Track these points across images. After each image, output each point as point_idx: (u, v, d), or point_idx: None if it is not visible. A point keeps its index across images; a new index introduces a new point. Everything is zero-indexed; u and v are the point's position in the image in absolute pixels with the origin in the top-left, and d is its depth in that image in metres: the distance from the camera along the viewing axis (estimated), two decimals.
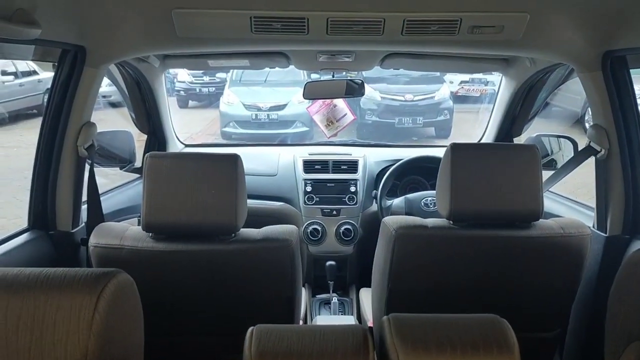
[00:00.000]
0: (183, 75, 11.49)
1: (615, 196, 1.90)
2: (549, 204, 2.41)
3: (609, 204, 1.92)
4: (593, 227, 2.00)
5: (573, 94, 8.86)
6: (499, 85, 2.85)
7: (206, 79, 11.66)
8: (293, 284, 1.79)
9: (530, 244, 1.75)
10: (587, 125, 8.45)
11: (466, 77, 11.06)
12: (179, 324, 1.79)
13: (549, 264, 1.78)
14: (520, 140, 2.91)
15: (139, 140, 2.73)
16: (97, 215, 1.99)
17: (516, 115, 2.80)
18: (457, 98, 10.50)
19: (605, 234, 1.94)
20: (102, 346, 0.79)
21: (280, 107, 9.13)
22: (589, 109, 1.89)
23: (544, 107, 2.89)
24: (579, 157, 2.07)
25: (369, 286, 2.18)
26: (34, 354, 0.76)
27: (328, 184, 2.90)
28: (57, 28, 1.61)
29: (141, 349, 0.98)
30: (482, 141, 2.99)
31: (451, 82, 10.81)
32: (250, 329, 0.92)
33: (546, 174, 2.19)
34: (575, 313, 1.95)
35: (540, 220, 1.77)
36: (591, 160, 2.00)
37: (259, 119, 9.20)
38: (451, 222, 1.78)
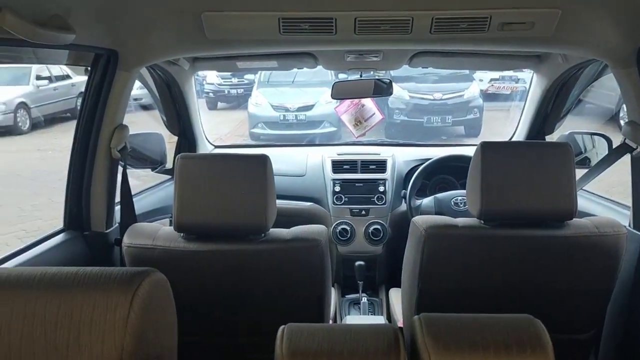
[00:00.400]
0: (212, 77, 11.65)
1: None
2: (583, 202, 2.36)
3: None
4: (629, 226, 1.95)
5: (607, 90, 8.65)
6: (530, 83, 2.80)
7: (234, 80, 11.79)
8: (323, 284, 1.79)
9: (564, 243, 1.71)
10: (621, 122, 8.25)
11: (496, 74, 10.92)
12: (209, 323, 1.81)
13: (583, 264, 1.74)
14: (552, 138, 2.86)
15: (170, 142, 2.78)
16: (130, 216, 2.03)
17: (548, 112, 2.74)
18: (487, 96, 10.37)
19: None
20: (137, 344, 0.80)
21: (308, 108, 9.15)
22: (624, 105, 1.85)
23: (577, 104, 2.83)
24: (614, 154, 2.02)
25: (399, 286, 2.16)
26: (72, 351, 0.78)
27: (357, 184, 2.90)
28: (91, 33, 1.65)
29: (175, 348, 1.00)
30: (513, 139, 2.94)
31: (481, 80, 10.68)
32: (281, 327, 0.93)
33: (579, 173, 2.15)
34: (610, 314, 1.90)
35: (574, 219, 1.73)
36: (626, 158, 1.95)
37: (287, 120, 9.24)
38: (482, 221, 1.76)
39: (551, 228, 1.72)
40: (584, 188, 2.27)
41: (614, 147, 2.19)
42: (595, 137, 2.49)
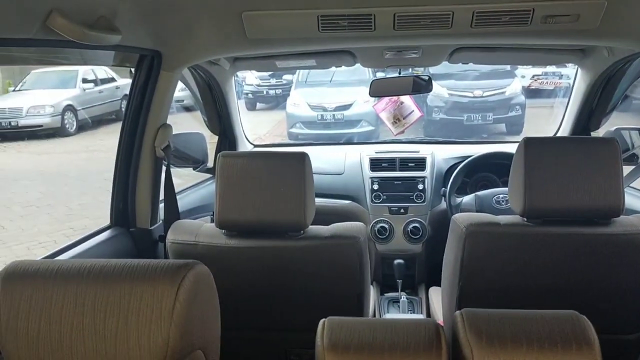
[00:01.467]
0: (251, 79, 11.77)
1: None
2: (631, 200, 2.28)
3: None
4: None
5: None
6: (574, 78, 2.72)
7: (273, 81, 11.89)
8: (362, 281, 1.79)
9: (611, 241, 1.67)
10: None
11: (538, 70, 10.66)
12: (250, 318, 1.83)
13: (630, 262, 1.69)
14: (598, 134, 2.78)
15: (211, 142, 2.83)
16: (173, 213, 2.08)
17: (593, 108, 2.67)
18: (529, 92, 10.12)
19: None
20: (182, 334, 0.83)
21: (346, 107, 9.15)
22: None
23: (623, 100, 2.74)
24: None
25: (439, 285, 2.14)
26: (120, 339, 0.81)
27: (395, 182, 2.88)
28: (136, 34, 1.70)
29: (218, 339, 1.02)
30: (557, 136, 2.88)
31: (523, 77, 10.43)
32: (322, 320, 0.93)
33: (626, 170, 2.08)
34: None
35: (621, 216, 1.68)
36: None
37: (325, 119, 9.25)
38: (525, 219, 1.72)
39: (597, 226, 1.68)
40: (631, 185, 2.20)
41: None
42: None
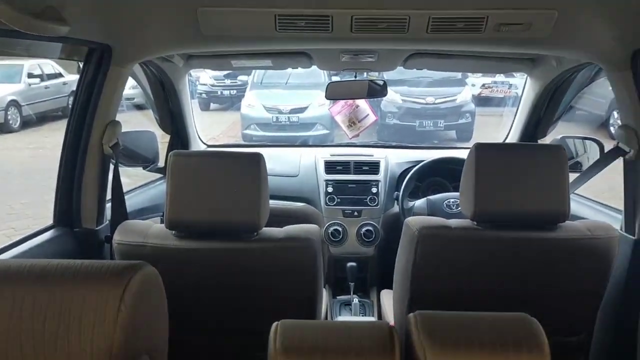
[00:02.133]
0: (205, 78, 11.62)
1: None
2: (575, 206, 2.36)
3: (638, 205, 1.87)
4: (621, 229, 1.96)
5: (598, 97, 8.74)
6: (523, 87, 2.81)
7: (228, 81, 11.78)
8: (314, 284, 1.78)
9: (557, 245, 1.72)
10: (612, 129, 8.34)
11: (488, 79, 10.99)
12: (201, 322, 1.79)
13: (575, 267, 1.74)
14: (544, 142, 2.87)
15: (162, 142, 2.76)
16: (121, 213, 2.01)
17: (541, 116, 2.76)
18: (479, 101, 10.41)
19: (634, 236, 1.89)
20: (127, 339, 0.79)
21: (301, 110, 9.15)
22: (614, 112, 1.86)
23: (568, 110, 2.85)
24: (607, 158, 2.03)
25: (390, 288, 2.16)
26: (60, 344, 0.76)
27: (349, 185, 2.90)
28: (85, 26, 1.63)
29: (166, 344, 0.98)
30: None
31: (473, 85, 10.73)
32: (275, 324, 0.91)
33: (571, 177, 2.16)
34: (601, 317, 1.91)
35: (567, 222, 1.74)
36: (616, 164, 1.97)
37: (280, 122, 9.23)
38: (475, 222, 1.76)
39: (544, 230, 1.73)
40: (575, 192, 2.28)
41: (605, 151, 2.20)
42: (587, 141, 2.50)
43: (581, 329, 1.91)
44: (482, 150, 1.72)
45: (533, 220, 1.72)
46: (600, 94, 8.72)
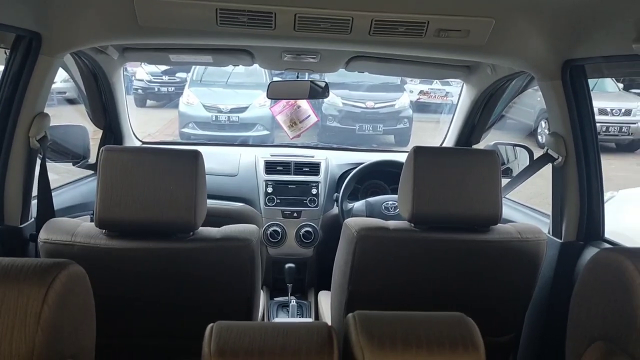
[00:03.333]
0: (141, 74, 11.28)
1: (570, 203, 1.94)
2: (506, 210, 2.45)
3: (565, 210, 1.97)
4: (548, 233, 2.05)
5: (527, 107, 9.18)
6: (459, 93, 2.89)
7: (165, 78, 11.49)
8: (252, 285, 1.76)
9: (489, 247, 1.77)
10: (539, 137, 8.79)
11: (425, 87, 11.31)
12: (133, 324, 1.73)
13: (505, 268, 1.81)
14: (479, 148, 2.96)
15: (94, 137, 2.65)
16: (47, 211, 1.91)
17: (475, 123, 2.84)
18: (417, 107, 10.68)
19: (560, 239, 1.99)
20: (50, 341, 0.74)
21: (242, 110, 9.06)
22: (542, 121, 1.94)
23: (500, 119, 2.95)
24: (537, 164, 2.12)
25: (328, 289, 2.16)
26: None
27: (289, 186, 2.88)
28: (12, 12, 1.54)
29: (92, 347, 0.93)
30: None
31: (411, 92, 11.00)
32: (209, 325, 0.89)
33: (503, 182, 2.24)
34: (529, 317, 1.99)
35: (499, 224, 1.80)
36: (545, 170, 2.05)
37: (219, 121, 9.11)
38: (412, 224, 1.79)
39: (477, 232, 1.78)
40: (507, 196, 2.36)
41: (534, 158, 2.29)
42: (518, 148, 2.61)
43: (511, 328, 1.98)
44: (420, 154, 1.75)
45: (467, 223, 1.77)
46: (530, 104, 9.18)
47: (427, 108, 11.14)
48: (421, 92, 11.41)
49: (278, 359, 0.81)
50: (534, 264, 1.82)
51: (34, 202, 1.96)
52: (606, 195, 4.43)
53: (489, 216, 1.76)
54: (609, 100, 9.74)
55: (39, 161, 1.93)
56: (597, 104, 9.65)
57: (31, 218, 1.93)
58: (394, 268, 1.81)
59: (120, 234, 1.63)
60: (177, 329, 1.75)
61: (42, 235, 1.63)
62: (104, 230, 1.63)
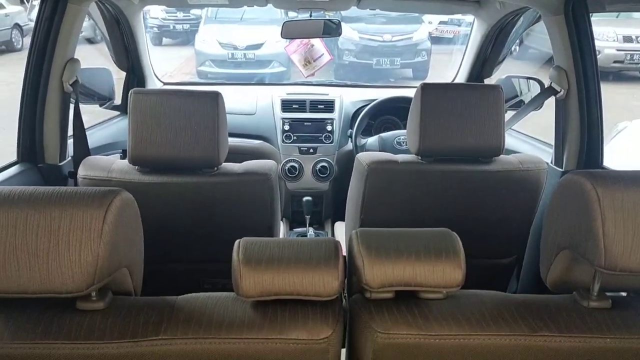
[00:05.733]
0: (156, 12, 11.19)
1: (571, 133, 2.04)
2: (513, 142, 2.56)
3: (566, 141, 2.06)
4: (551, 163, 2.15)
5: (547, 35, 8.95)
6: (471, 27, 2.92)
7: (180, 15, 11.39)
8: (272, 215, 1.91)
9: (492, 177, 1.89)
10: None
11: (445, 17, 11.00)
12: (166, 252, 1.90)
13: (508, 196, 1.94)
14: (491, 81, 3.01)
15: (117, 78, 2.76)
16: (83, 149, 2.07)
17: (487, 57, 2.89)
18: (434, 39, 10.47)
19: (562, 168, 2.09)
20: (110, 253, 0.91)
21: (257, 46, 8.99)
22: None
23: (522, 48, 2.96)
24: (541, 97, 2.20)
25: (344, 220, 2.31)
26: (52, 257, 0.88)
27: (305, 123, 2.99)
28: None
29: (141, 260, 1.11)
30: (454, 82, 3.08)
31: (430, 23, 10.72)
32: (237, 241, 1.05)
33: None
34: (530, 241, 2.13)
35: (502, 155, 1.91)
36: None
37: (235, 58, 9.06)
38: (419, 157, 1.91)
39: (481, 163, 1.90)
40: (514, 128, 2.45)
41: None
42: (530, 81, 2.65)
43: (512, 252, 2.13)
44: (427, 90, 1.84)
45: (470, 154, 1.88)
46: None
47: (442, 39, 10.91)
48: (441, 22, 11.12)
49: (293, 265, 0.98)
50: (534, 192, 1.94)
51: (70, 142, 2.12)
52: (620, 126, 4.49)
53: (491, 148, 1.86)
54: (635, 27, 9.43)
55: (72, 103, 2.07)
56: (621, 31, 9.44)
57: (68, 157, 2.10)
58: (403, 198, 1.95)
59: (152, 169, 1.79)
60: (205, 255, 1.93)
61: (81, 172, 1.79)
62: (136, 167, 1.78)
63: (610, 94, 8.62)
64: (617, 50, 9.06)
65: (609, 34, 9.13)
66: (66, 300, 0.97)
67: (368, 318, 1.03)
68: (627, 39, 9.15)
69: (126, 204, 0.95)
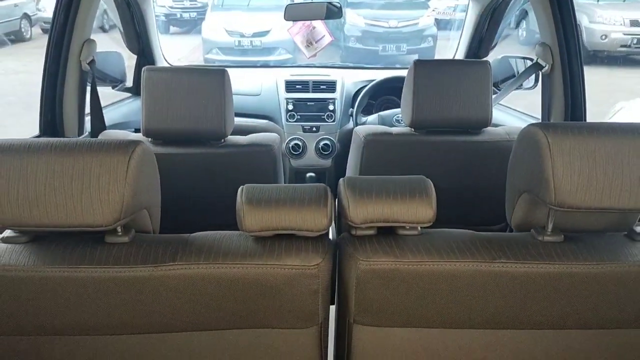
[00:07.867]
0: (163, 0, 11.29)
1: (556, 105, 2.16)
2: (503, 116, 2.68)
3: (551, 112, 2.19)
4: None
5: None
6: (467, 9, 3.03)
7: (187, 3, 11.47)
8: (276, 184, 2.06)
9: (480, 147, 2.02)
10: None
11: (452, 3, 10.98)
12: (177, 218, 2.04)
13: (495, 165, 2.05)
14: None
15: (128, 64, 2.89)
16: (100, 125, 2.22)
17: (483, 36, 2.99)
18: (441, 24, 10.46)
19: None
20: (133, 194, 1.06)
21: (264, 34, 9.06)
22: None
23: (528, 34, 3.04)
24: (527, 72, 2.32)
25: None
26: (85, 196, 1.03)
27: (308, 103, 3.10)
28: None
29: (159, 203, 1.27)
30: None
31: (435, 10, 10.69)
32: (241, 187, 1.21)
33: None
34: None
35: (490, 127, 2.04)
36: None
37: (242, 46, 9.14)
38: (413, 129, 2.04)
39: (470, 134, 2.03)
40: (503, 103, 2.57)
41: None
42: (527, 60, 2.77)
43: (502, 219, 2.26)
44: (420, 66, 1.98)
45: (460, 126, 2.01)
46: None
47: (452, 24, 10.89)
48: (448, 7, 11.08)
49: (288, 204, 1.14)
50: None
51: (87, 120, 2.27)
52: (617, 106, 4.59)
53: (480, 119, 1.99)
54: None
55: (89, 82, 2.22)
56: (628, 15, 9.43)
57: (85, 132, 2.25)
58: (397, 167, 2.08)
59: (164, 141, 1.94)
60: (214, 221, 2.07)
61: None
62: (149, 139, 1.93)
63: (618, 79, 8.66)
64: (624, 34, 9.09)
65: (616, 18, 9.15)
66: (96, 235, 1.14)
67: (352, 250, 1.19)
68: (634, 23, 9.13)
69: (145, 153, 1.10)
